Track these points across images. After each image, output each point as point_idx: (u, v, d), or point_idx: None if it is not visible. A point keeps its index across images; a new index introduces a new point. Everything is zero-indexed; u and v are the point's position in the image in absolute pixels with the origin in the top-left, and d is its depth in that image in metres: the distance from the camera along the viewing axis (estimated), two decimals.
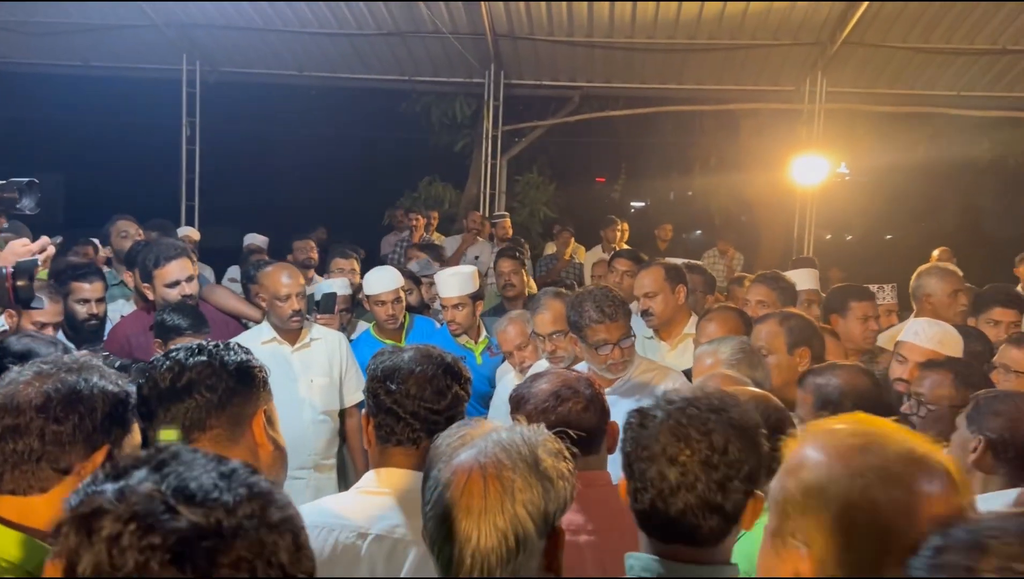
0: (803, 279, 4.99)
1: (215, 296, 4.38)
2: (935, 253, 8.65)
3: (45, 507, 1.55)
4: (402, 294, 4.66)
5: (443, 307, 4.62)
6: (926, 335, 3.41)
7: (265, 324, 4.17)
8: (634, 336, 3.37)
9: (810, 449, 1.30)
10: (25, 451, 1.55)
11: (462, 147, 11.83)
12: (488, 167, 9.89)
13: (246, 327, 4.33)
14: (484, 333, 4.66)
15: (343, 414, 4.25)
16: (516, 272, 5.63)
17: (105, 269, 4.94)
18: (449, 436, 1.50)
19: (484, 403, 4.20)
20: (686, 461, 1.56)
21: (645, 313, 4.15)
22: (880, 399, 2.56)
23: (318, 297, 4.57)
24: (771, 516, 1.33)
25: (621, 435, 1.72)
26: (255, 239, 8.38)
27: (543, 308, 3.82)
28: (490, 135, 9.78)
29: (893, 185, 13.57)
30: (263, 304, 4.22)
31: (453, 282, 4.58)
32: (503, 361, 4.47)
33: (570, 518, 2.15)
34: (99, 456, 1.60)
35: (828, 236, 16.34)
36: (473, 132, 11.12)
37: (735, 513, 1.57)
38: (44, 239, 2.92)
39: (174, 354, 1.75)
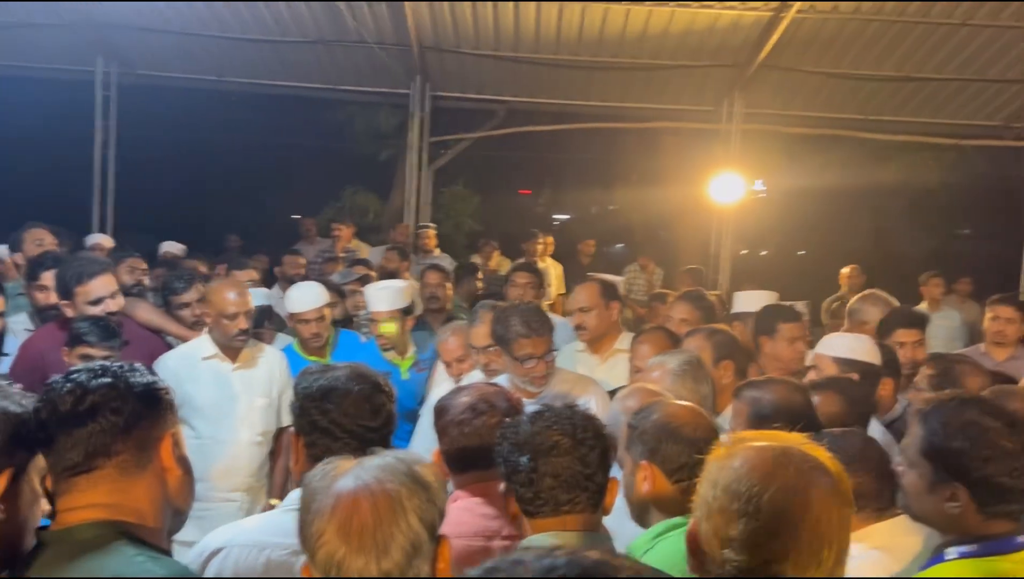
0: (759, 301, 4.77)
1: (138, 311, 4.22)
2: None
3: None
4: (326, 312, 4.53)
5: (373, 321, 4.57)
6: (839, 345, 3.55)
7: (206, 338, 3.99)
8: (556, 349, 3.46)
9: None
10: None
11: (387, 157, 11.77)
12: (415, 179, 9.86)
13: (168, 343, 4.20)
14: (412, 348, 4.63)
15: (277, 434, 4.10)
16: (441, 285, 5.62)
17: (11, 281, 4.73)
18: (318, 473, 1.51)
19: (410, 419, 4.16)
20: (558, 441, 1.94)
21: (579, 327, 4.20)
22: (811, 416, 2.67)
23: None
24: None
25: (498, 448, 2.03)
26: (172, 247, 8.15)
27: (480, 321, 3.86)
28: (416, 146, 9.75)
29: (806, 204, 14.06)
30: (207, 320, 4.02)
31: (383, 296, 4.52)
32: (429, 376, 4.46)
33: (486, 524, 2.22)
34: (1, 480, 1.54)
35: (744, 251, 16.84)
36: (398, 142, 11.07)
37: (601, 488, 1.97)
38: None
39: (75, 376, 1.64)
